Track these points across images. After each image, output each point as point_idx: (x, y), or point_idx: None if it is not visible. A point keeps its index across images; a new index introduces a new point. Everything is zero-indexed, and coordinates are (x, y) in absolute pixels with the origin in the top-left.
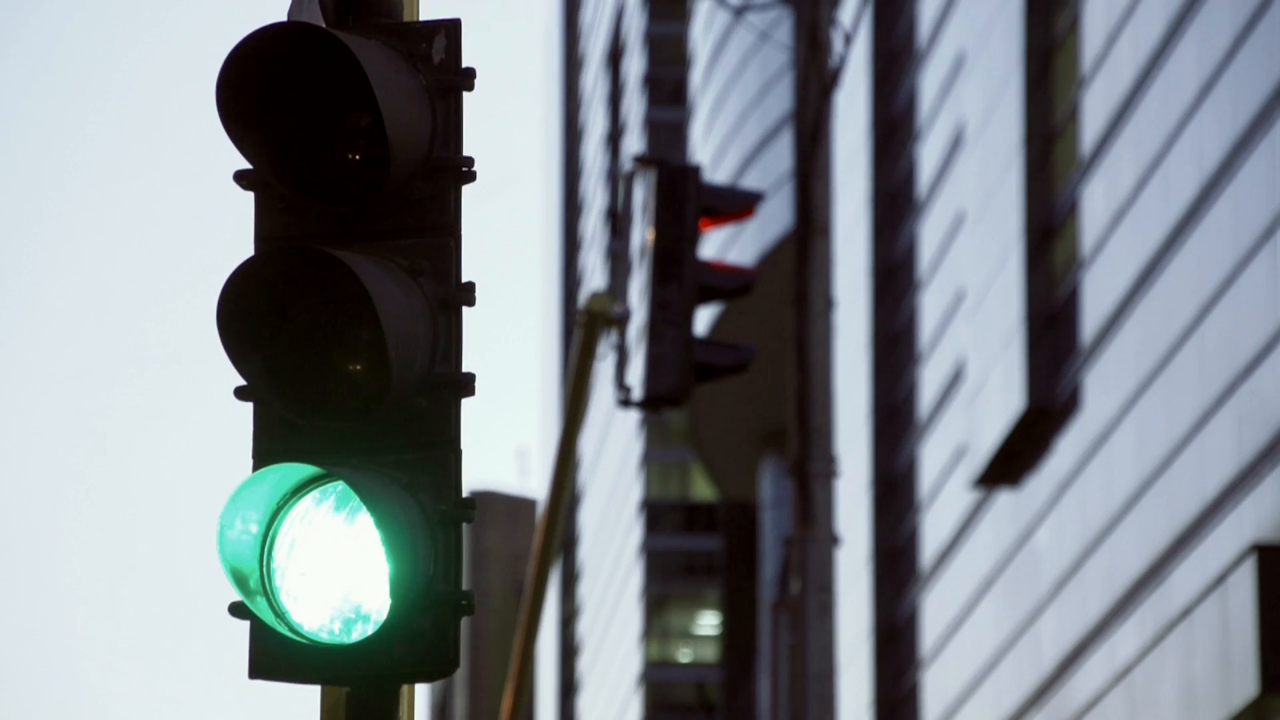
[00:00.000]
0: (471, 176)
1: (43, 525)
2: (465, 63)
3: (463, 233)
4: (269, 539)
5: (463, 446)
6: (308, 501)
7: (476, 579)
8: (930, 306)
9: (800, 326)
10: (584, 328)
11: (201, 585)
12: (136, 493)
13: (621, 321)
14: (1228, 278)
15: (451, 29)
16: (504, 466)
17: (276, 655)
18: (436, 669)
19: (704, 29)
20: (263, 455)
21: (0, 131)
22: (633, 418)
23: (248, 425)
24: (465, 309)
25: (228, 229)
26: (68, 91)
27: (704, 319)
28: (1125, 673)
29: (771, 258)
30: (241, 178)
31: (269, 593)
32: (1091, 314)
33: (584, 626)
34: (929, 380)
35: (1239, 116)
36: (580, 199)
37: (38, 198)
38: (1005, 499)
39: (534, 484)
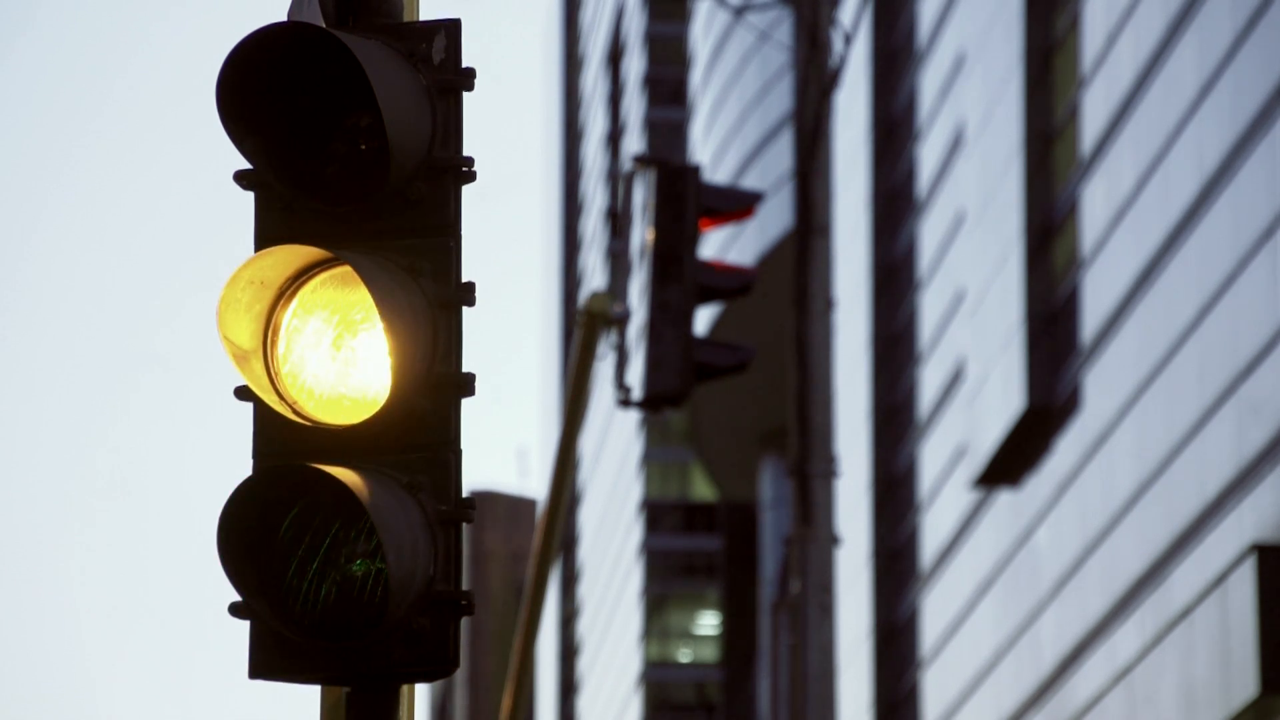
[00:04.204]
0: (471, 176)
1: (43, 526)
2: (465, 63)
3: (463, 233)
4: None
5: (463, 446)
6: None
7: (476, 579)
8: (930, 306)
9: (800, 326)
10: (584, 328)
11: (202, 585)
12: (137, 494)
13: (621, 321)
14: (1228, 278)
15: (451, 29)
16: (504, 466)
17: (276, 655)
18: (436, 669)
19: (704, 29)
20: (265, 455)
21: None
22: (633, 418)
23: (248, 426)
24: (465, 309)
25: (228, 229)
26: (67, 92)
27: (704, 319)
28: (1125, 673)
29: (771, 258)
30: (241, 178)
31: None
32: (1091, 314)
33: (584, 626)
34: (929, 380)
35: (1239, 116)
36: (580, 199)
37: (37, 199)
38: (1005, 499)
39: (534, 484)
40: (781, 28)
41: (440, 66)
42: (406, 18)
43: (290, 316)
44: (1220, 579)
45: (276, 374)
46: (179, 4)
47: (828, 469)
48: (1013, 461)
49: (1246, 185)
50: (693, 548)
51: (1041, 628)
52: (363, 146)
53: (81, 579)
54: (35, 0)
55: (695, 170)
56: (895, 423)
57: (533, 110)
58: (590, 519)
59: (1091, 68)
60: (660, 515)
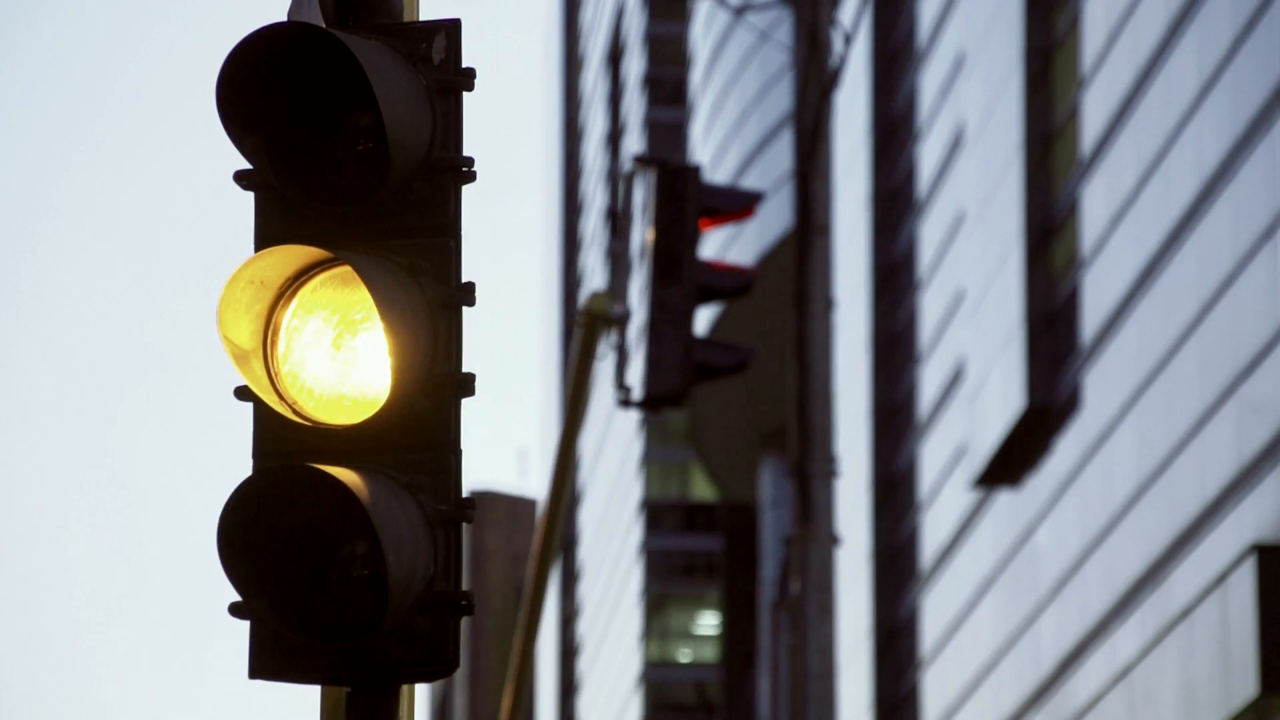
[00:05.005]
0: (471, 176)
1: (43, 526)
2: (465, 63)
3: (463, 233)
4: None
5: (463, 446)
6: None
7: (476, 579)
8: (930, 306)
9: (800, 326)
10: (584, 328)
11: (202, 585)
12: (136, 494)
13: (621, 321)
14: (1228, 278)
15: (451, 29)
16: (504, 466)
17: (276, 655)
18: (436, 669)
19: (704, 29)
20: (265, 455)
21: None
22: (633, 418)
23: (248, 426)
24: (465, 309)
25: (228, 229)
26: (68, 92)
27: (704, 319)
28: (1125, 673)
29: (771, 258)
30: (241, 178)
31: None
32: (1091, 314)
33: (584, 626)
34: (929, 380)
35: (1239, 116)
36: (580, 199)
37: (38, 199)
38: (1005, 499)
39: (534, 484)
40: (781, 28)
41: (440, 66)
42: (406, 18)
43: (290, 316)
44: (1220, 579)
45: (276, 374)
46: (179, 4)
47: (828, 469)
48: (1013, 461)
49: (1246, 185)
50: (693, 548)
51: (1041, 628)
52: (362, 147)
53: (81, 579)
54: (35, 0)
55: (695, 170)
56: (895, 423)
57: (533, 110)
58: (590, 519)
59: (1091, 68)
60: (660, 515)
